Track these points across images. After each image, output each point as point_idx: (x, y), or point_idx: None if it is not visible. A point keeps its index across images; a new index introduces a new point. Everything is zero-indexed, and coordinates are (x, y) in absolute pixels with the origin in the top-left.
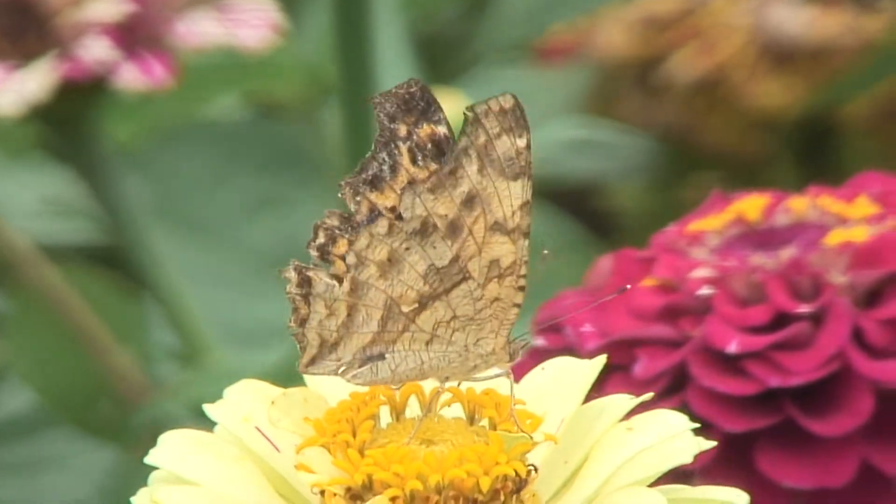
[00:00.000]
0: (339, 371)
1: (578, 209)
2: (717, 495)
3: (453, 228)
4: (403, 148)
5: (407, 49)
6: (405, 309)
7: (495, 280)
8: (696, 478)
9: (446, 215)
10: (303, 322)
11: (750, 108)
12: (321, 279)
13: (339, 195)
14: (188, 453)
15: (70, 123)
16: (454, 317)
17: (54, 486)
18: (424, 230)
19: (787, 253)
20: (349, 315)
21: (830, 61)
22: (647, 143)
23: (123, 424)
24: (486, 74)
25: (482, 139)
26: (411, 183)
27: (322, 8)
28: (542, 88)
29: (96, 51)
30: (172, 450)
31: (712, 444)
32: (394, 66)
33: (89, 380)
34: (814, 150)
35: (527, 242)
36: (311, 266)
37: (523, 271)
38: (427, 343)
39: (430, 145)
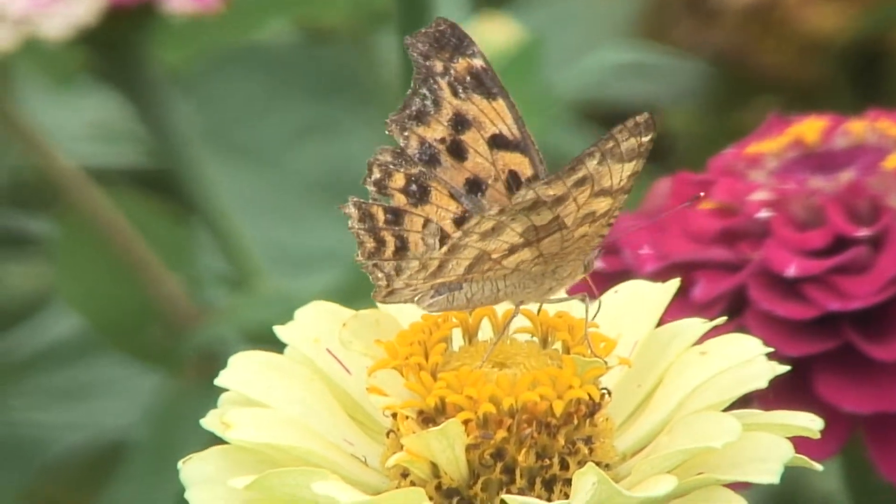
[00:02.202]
0: (415, 299)
1: None
2: (792, 420)
3: (559, 200)
4: (443, 83)
5: None
6: (495, 256)
7: (587, 224)
8: (755, 403)
9: (555, 194)
10: (370, 255)
11: (803, 32)
12: (422, 241)
13: (387, 132)
14: (258, 375)
15: (118, 48)
16: (539, 255)
17: (102, 411)
18: (533, 207)
19: (846, 176)
20: (439, 266)
21: None
22: (700, 67)
23: (171, 350)
24: (536, 0)
25: (610, 145)
26: (530, 180)
27: None
28: (594, 13)
29: None
30: (242, 371)
31: (786, 368)
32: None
33: (137, 305)
34: (867, 75)
35: (626, 196)
36: (371, 201)
37: (616, 213)
38: (505, 275)
39: (468, 78)
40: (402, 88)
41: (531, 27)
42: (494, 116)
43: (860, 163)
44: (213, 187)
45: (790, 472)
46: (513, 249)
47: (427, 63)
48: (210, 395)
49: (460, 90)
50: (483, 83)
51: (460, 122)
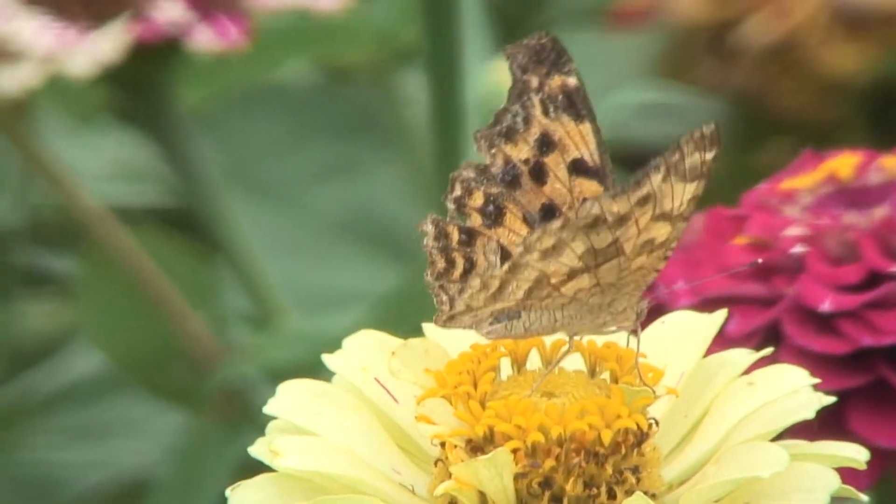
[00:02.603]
0: (474, 326)
1: None
2: (838, 451)
3: (621, 220)
4: (535, 99)
5: (483, 13)
6: (553, 280)
7: (646, 254)
8: (789, 436)
9: (618, 211)
10: (439, 276)
11: (823, 73)
12: (484, 258)
13: (475, 148)
14: (306, 403)
15: (142, 86)
16: (597, 284)
17: (123, 450)
18: (594, 224)
19: (881, 212)
20: (500, 288)
21: None
22: (720, 108)
23: (194, 388)
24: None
25: (675, 158)
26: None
27: None
28: (614, 52)
29: (170, 12)
30: (290, 399)
31: (832, 399)
32: (472, 31)
33: (160, 343)
34: (886, 115)
35: (685, 224)
36: (449, 219)
37: (674, 245)
38: (563, 305)
39: (560, 97)
40: (428, 127)
41: None
42: (579, 140)
43: (894, 198)
44: (235, 226)
45: None
46: (571, 274)
47: (524, 77)
48: (233, 434)
49: (551, 109)
50: (574, 104)
51: (546, 143)
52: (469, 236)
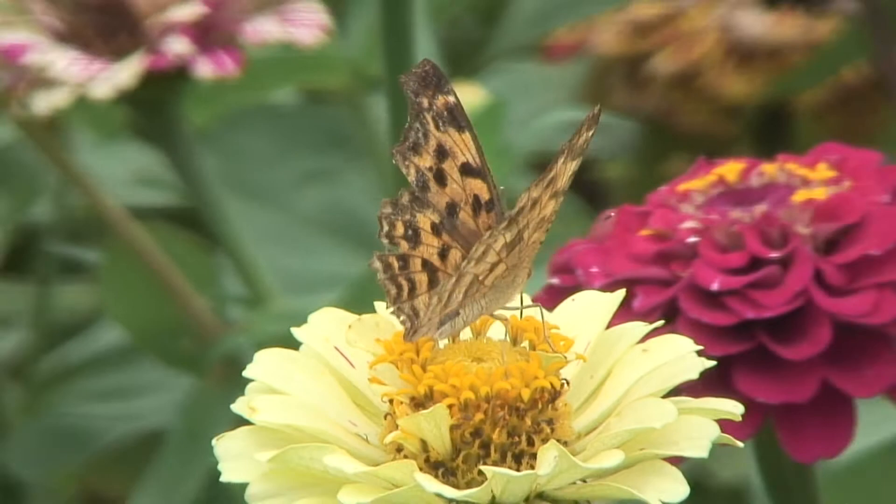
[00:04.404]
0: (430, 333)
1: (575, 182)
2: (719, 406)
3: (534, 204)
4: (428, 117)
5: (436, 50)
6: (481, 277)
7: (539, 230)
8: (683, 394)
9: (536, 196)
10: (395, 300)
11: (718, 97)
12: (398, 265)
13: (393, 161)
14: (279, 368)
15: (154, 107)
16: (507, 268)
17: (142, 407)
18: (512, 219)
19: (760, 208)
20: (449, 296)
21: (786, 59)
22: (634, 126)
23: (199, 358)
24: (500, 70)
25: (577, 140)
26: (489, 202)
27: (363, 12)
28: (546, 81)
29: (177, 46)
30: (266, 365)
31: (713, 363)
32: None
33: (170, 320)
34: (770, 132)
35: (562, 198)
36: (388, 252)
37: (554, 217)
38: (485, 293)
39: (445, 112)
40: (392, 141)
41: (495, 92)
42: (463, 147)
43: (772, 197)
44: (232, 223)
45: (696, 463)
46: (492, 268)
47: (417, 99)
48: (230, 394)
49: (440, 123)
50: (456, 118)
51: (441, 152)
52: (404, 261)
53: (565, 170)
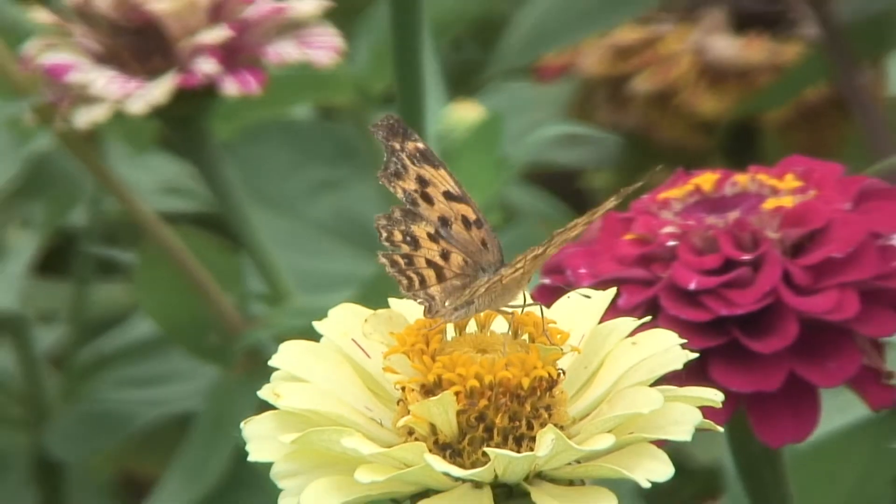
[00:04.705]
0: (446, 316)
1: (563, 190)
2: (701, 394)
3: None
4: (403, 155)
5: (439, 70)
6: (504, 280)
7: (559, 245)
8: (667, 383)
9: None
10: (408, 289)
11: (693, 115)
12: (448, 276)
13: (380, 183)
14: (301, 358)
15: (184, 122)
16: (523, 273)
17: (173, 394)
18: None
19: (733, 215)
20: (475, 290)
21: (754, 79)
22: (616, 140)
23: (224, 350)
24: (496, 89)
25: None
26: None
27: (368, 37)
28: (538, 100)
29: (206, 67)
30: (289, 355)
31: (696, 355)
32: (431, 82)
33: (198, 316)
34: (740, 146)
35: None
36: (390, 251)
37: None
38: (500, 291)
39: (417, 154)
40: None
41: (492, 109)
42: (441, 180)
43: (744, 205)
44: (253, 228)
45: (676, 447)
46: (514, 272)
47: (389, 143)
48: (252, 383)
49: (415, 161)
50: (428, 158)
51: (422, 181)
52: (409, 259)
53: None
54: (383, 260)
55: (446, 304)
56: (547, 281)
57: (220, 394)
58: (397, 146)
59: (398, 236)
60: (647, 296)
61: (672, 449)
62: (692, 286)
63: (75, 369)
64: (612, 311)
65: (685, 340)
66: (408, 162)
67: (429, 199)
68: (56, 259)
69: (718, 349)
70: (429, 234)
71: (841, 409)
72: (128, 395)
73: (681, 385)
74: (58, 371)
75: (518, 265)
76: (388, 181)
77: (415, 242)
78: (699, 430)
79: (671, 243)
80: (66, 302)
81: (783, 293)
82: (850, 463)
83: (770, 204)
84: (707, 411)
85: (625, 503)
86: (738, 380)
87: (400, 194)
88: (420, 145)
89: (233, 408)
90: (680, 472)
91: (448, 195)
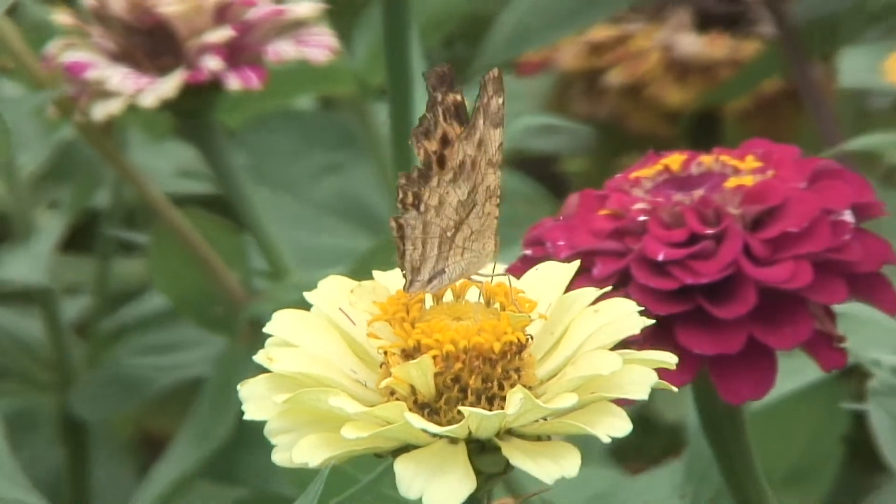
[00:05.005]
0: (423, 288)
1: (543, 174)
2: (657, 357)
3: (472, 166)
4: (440, 109)
5: (426, 65)
6: (449, 234)
7: (489, 202)
8: (634, 347)
9: (471, 155)
10: (402, 257)
11: (661, 105)
12: (410, 225)
13: (409, 142)
14: (292, 325)
15: (192, 114)
16: (472, 231)
17: (184, 361)
18: (456, 176)
19: (699, 192)
20: (423, 247)
21: (716, 73)
22: (591, 129)
23: (229, 321)
24: (477, 83)
25: (483, 100)
26: (452, 138)
27: (366, 34)
28: (519, 92)
29: (211, 64)
30: (282, 323)
31: (652, 321)
32: (419, 77)
33: (206, 290)
34: (703, 133)
35: (500, 172)
36: (401, 216)
37: (499, 192)
38: (461, 254)
39: (452, 108)
40: (390, 142)
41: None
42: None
43: (708, 184)
44: (256, 210)
45: (646, 405)
46: (457, 226)
47: (434, 93)
48: (255, 351)
49: (448, 116)
50: (459, 114)
51: (445, 140)
52: (411, 224)
53: (490, 136)
54: (392, 224)
55: (419, 273)
56: (528, 252)
57: (225, 362)
58: (439, 97)
59: (410, 198)
60: (619, 266)
61: (640, 408)
62: (661, 257)
63: (98, 337)
64: (588, 279)
65: (643, 308)
66: (441, 118)
67: (443, 163)
68: (81, 237)
69: (684, 315)
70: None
71: (796, 372)
72: (145, 362)
73: (651, 348)
74: (82, 339)
75: (440, 208)
76: (416, 140)
77: (419, 205)
78: (664, 391)
79: (642, 218)
80: (89, 276)
81: (743, 264)
82: (804, 421)
83: (732, 183)
84: (672, 372)
85: (597, 461)
86: (702, 343)
87: (421, 156)
88: (458, 97)
89: (237, 375)
90: (648, 429)
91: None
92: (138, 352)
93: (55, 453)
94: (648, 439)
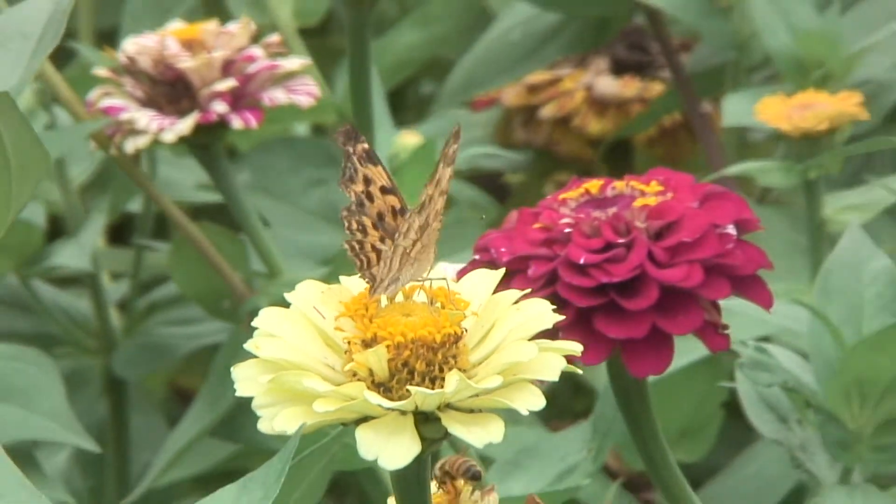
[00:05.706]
0: (384, 292)
1: (491, 186)
2: (567, 346)
3: (429, 201)
4: (354, 158)
5: (386, 103)
6: (408, 251)
7: (437, 220)
8: (561, 334)
9: (430, 193)
10: (360, 270)
11: (584, 134)
12: (384, 249)
13: (339, 187)
14: (276, 320)
15: (203, 146)
16: (422, 245)
17: (205, 331)
18: (422, 209)
19: (612, 210)
20: (390, 262)
21: (629, 109)
22: (528, 154)
23: (234, 312)
24: (442, 115)
25: (447, 149)
26: (372, 177)
27: (344, 75)
28: (472, 123)
29: (219, 108)
30: (267, 318)
31: (562, 317)
32: (380, 112)
33: (215, 288)
34: (618, 157)
35: (445, 196)
36: (351, 238)
37: (443, 212)
38: (412, 264)
39: (364, 154)
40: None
41: (438, 131)
42: (379, 175)
43: (620, 203)
44: (256, 220)
45: (581, 377)
46: (414, 244)
47: (346, 147)
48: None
49: (362, 161)
50: (371, 157)
51: (367, 180)
52: (361, 245)
53: (445, 174)
54: (345, 246)
55: (381, 280)
56: (477, 257)
57: (231, 343)
58: (351, 149)
59: (354, 225)
60: (549, 268)
61: (571, 376)
62: (582, 261)
63: (134, 312)
64: (524, 279)
65: (565, 300)
66: (357, 164)
67: (371, 198)
68: (121, 233)
69: (600, 307)
70: (373, 224)
71: (689, 351)
72: (172, 331)
73: (574, 333)
74: (122, 313)
75: (407, 233)
76: (345, 186)
77: (364, 231)
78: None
79: (567, 230)
80: (128, 265)
81: (647, 267)
82: (693, 390)
83: (639, 202)
84: (591, 351)
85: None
86: (614, 329)
87: (352, 197)
88: (365, 146)
89: (239, 354)
90: (576, 392)
91: (384, 189)
92: (166, 324)
93: (101, 406)
94: (576, 400)
